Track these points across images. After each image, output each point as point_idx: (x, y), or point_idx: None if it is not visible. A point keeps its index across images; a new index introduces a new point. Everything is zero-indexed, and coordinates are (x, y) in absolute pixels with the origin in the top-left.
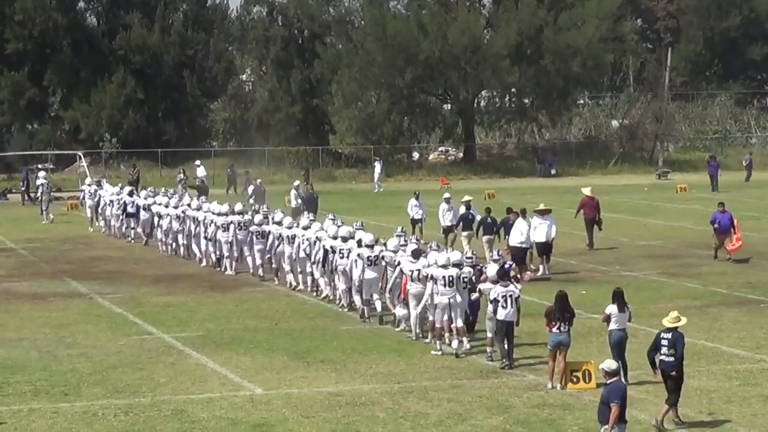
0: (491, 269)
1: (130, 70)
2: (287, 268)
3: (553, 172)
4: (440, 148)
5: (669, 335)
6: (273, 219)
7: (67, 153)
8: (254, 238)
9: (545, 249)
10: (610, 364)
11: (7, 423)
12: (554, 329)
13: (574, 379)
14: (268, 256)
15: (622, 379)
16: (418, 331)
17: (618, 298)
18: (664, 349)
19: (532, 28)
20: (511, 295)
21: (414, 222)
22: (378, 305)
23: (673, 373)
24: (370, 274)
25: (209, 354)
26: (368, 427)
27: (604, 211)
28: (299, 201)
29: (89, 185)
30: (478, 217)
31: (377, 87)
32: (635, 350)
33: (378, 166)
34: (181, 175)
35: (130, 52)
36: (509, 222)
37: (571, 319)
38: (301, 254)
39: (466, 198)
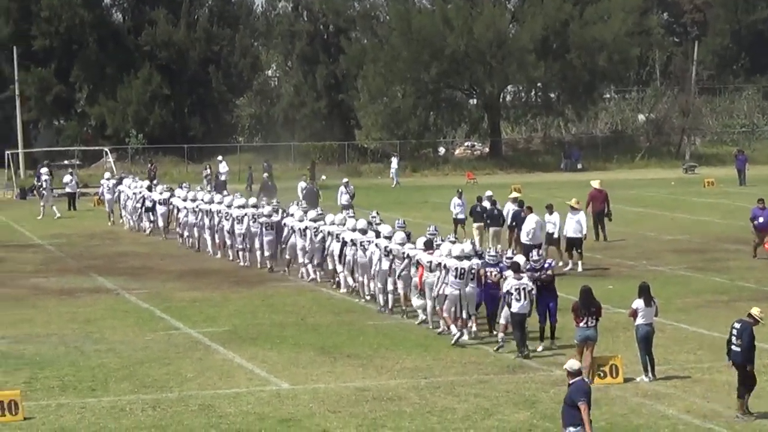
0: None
1: (156, 65)
2: (301, 260)
3: (579, 166)
4: (466, 143)
5: (738, 325)
6: (288, 211)
7: (93, 149)
8: (263, 229)
9: (575, 244)
10: (573, 364)
11: (35, 418)
12: (581, 324)
13: (601, 374)
14: (283, 247)
15: (585, 378)
16: (430, 319)
17: (644, 292)
18: (733, 339)
19: (557, 22)
20: (524, 288)
21: (457, 222)
22: (380, 297)
23: (740, 363)
24: (386, 264)
25: (236, 349)
26: (395, 422)
27: (630, 205)
28: (348, 197)
29: (107, 180)
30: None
31: (403, 82)
32: (662, 345)
33: (395, 161)
34: (207, 171)
35: (155, 47)
36: (521, 215)
37: (597, 313)
38: (317, 245)
39: (514, 195)
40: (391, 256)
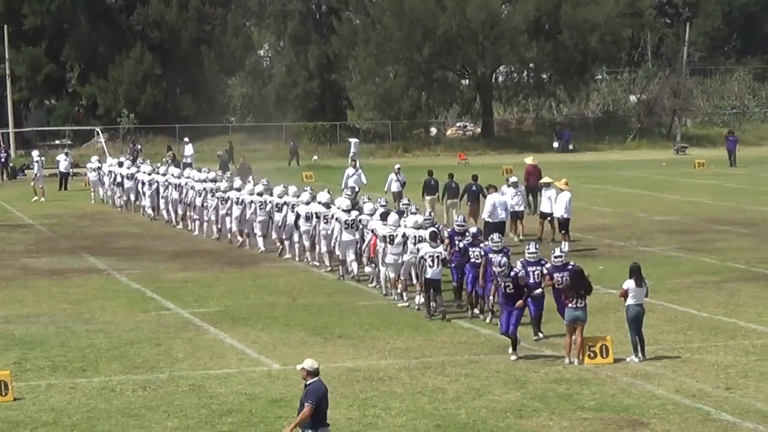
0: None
1: (148, 45)
2: (258, 232)
3: (570, 147)
4: (458, 124)
5: None
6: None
7: (84, 129)
8: (219, 203)
9: (561, 225)
10: (312, 363)
11: (25, 398)
12: (570, 305)
13: (591, 354)
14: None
15: (322, 381)
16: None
17: (635, 273)
18: None
19: (550, 2)
20: (438, 256)
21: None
22: (354, 267)
23: None
24: (346, 236)
25: (227, 329)
26: (386, 403)
27: (621, 186)
28: (399, 185)
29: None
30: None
31: (395, 62)
32: (652, 325)
33: (353, 143)
34: (170, 153)
35: (147, 27)
36: (472, 189)
37: (586, 294)
38: (260, 217)
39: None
40: (353, 227)
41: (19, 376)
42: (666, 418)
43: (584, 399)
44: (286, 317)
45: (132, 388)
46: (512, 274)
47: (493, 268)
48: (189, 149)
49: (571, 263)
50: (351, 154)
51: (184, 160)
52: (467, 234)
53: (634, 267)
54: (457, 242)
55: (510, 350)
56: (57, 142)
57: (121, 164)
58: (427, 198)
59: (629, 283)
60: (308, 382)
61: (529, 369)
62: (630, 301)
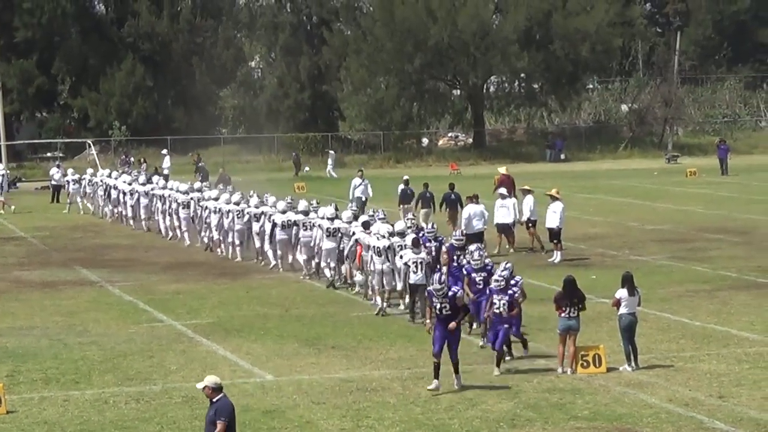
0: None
1: (139, 57)
2: (235, 241)
3: (562, 156)
4: (450, 134)
5: None
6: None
7: (76, 141)
8: (200, 213)
9: (552, 235)
10: (215, 379)
11: (18, 411)
12: (563, 314)
13: (584, 364)
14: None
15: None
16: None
17: (628, 282)
18: None
19: (540, 12)
20: (421, 261)
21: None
22: (327, 272)
23: None
24: (328, 244)
25: (220, 341)
26: (379, 413)
27: (613, 195)
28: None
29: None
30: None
31: (386, 73)
32: (645, 334)
33: (331, 155)
34: (144, 165)
35: (138, 39)
36: (451, 198)
37: (579, 303)
38: (238, 226)
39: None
40: (335, 235)
41: (11, 388)
42: (659, 426)
43: (577, 408)
44: (279, 328)
45: (125, 400)
46: (450, 294)
47: (430, 287)
48: (167, 161)
49: (513, 289)
50: (329, 166)
51: (164, 172)
52: (466, 249)
53: (627, 276)
54: (456, 257)
55: (436, 379)
56: (49, 154)
57: (110, 176)
58: (404, 207)
59: (622, 293)
60: (214, 399)
61: (522, 378)
62: (623, 310)
